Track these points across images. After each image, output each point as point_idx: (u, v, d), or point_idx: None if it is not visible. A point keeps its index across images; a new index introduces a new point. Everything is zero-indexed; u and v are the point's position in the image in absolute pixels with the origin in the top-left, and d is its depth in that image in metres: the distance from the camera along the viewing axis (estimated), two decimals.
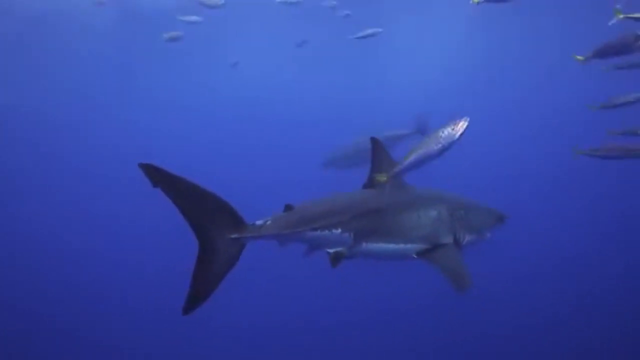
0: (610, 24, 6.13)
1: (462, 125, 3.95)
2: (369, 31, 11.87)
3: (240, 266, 3.70)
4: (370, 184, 4.58)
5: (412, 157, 4.16)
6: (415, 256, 4.29)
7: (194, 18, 13.82)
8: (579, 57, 6.85)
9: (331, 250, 4.12)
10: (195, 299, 3.52)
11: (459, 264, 4.14)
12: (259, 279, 9.35)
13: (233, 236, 3.67)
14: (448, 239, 4.40)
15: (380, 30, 11.90)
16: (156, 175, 3.39)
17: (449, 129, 3.97)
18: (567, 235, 12.04)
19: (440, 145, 4.00)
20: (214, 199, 3.59)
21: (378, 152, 4.66)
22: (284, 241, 4.10)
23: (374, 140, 4.67)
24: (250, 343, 9.08)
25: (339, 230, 4.08)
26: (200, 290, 3.54)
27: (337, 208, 4.18)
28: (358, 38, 11.94)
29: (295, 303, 9.72)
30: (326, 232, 4.06)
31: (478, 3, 7.17)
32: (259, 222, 3.94)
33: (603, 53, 6.61)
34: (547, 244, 11.75)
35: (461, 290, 3.92)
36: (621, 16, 6.09)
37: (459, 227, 4.49)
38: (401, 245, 4.29)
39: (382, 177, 4.38)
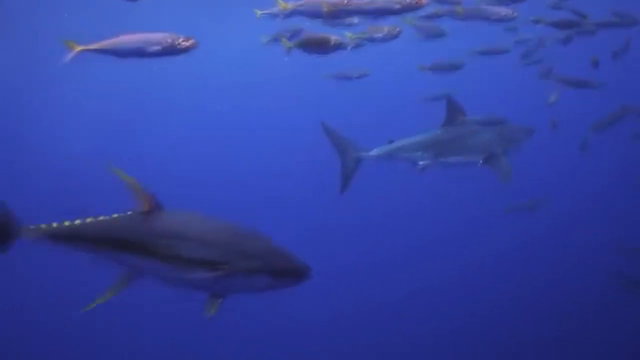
0: None
1: None
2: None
3: None
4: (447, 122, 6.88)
5: None
6: (480, 162, 6.61)
7: None
8: None
9: (420, 163, 6.56)
10: (343, 187, 6.70)
11: (507, 165, 6.56)
12: None
13: (356, 155, 6.62)
14: (498, 150, 6.70)
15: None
16: (327, 129, 6.63)
17: None
18: None
19: None
20: (347, 139, 6.70)
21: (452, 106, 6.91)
22: (387, 160, 6.72)
23: (448, 96, 7.04)
24: None
25: (420, 153, 6.65)
26: (344, 183, 6.67)
27: (417, 140, 6.76)
28: None
29: None
30: (413, 153, 6.65)
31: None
32: (373, 150, 6.67)
33: None
34: None
35: (507, 181, 6.38)
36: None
37: (506, 142, 6.78)
38: (469, 158, 6.73)
39: None
